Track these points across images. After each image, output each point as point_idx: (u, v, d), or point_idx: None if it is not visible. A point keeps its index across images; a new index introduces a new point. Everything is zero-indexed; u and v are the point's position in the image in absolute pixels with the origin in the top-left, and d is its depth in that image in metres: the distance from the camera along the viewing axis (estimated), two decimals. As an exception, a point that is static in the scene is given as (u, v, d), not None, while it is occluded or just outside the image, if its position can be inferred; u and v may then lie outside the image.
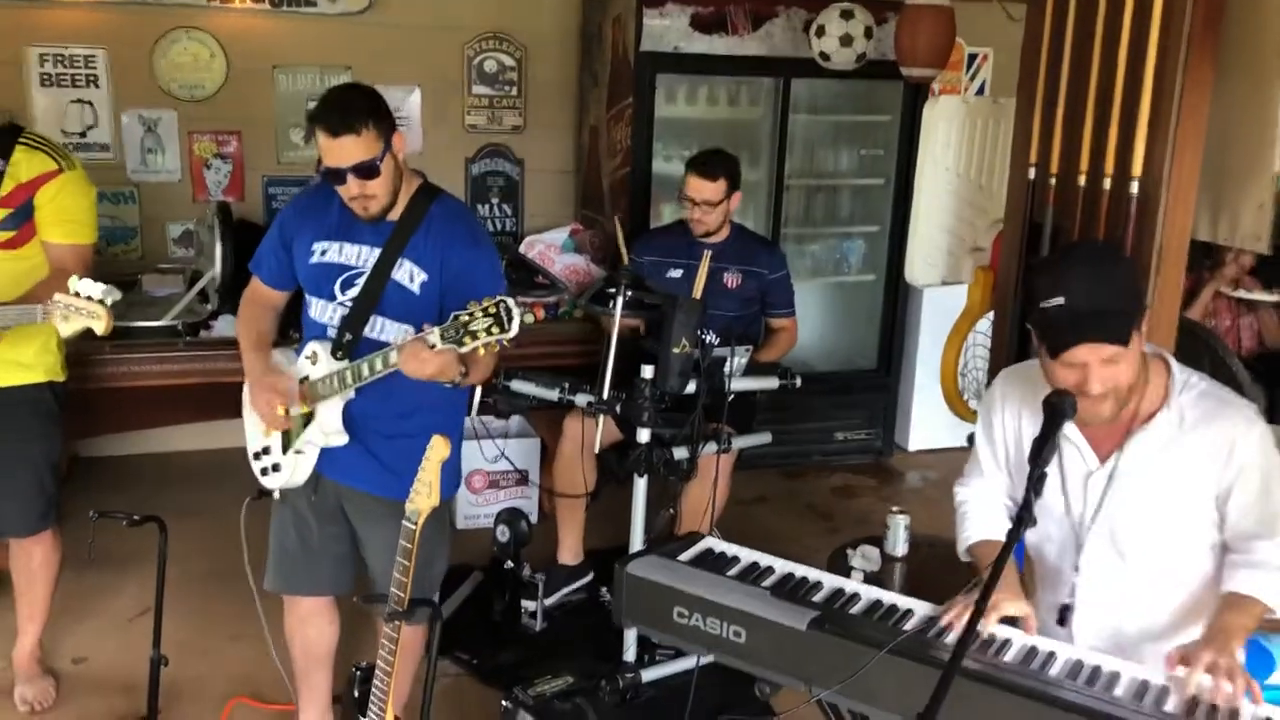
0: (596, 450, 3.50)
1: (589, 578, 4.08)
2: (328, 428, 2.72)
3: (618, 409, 3.37)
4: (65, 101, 4.92)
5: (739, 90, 5.19)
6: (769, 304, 4.12)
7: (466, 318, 2.36)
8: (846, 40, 4.52)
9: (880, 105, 5.30)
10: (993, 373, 3.40)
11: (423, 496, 2.41)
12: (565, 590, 4.00)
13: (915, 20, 3.94)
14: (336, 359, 2.67)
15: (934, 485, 5.47)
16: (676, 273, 3.99)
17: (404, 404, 2.71)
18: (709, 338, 3.46)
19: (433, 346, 2.44)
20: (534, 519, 4.64)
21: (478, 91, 5.45)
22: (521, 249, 5.10)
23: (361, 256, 2.69)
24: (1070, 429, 2.20)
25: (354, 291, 2.68)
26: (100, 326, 2.63)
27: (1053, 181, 3.06)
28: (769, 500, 5.17)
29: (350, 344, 2.66)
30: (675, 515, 3.92)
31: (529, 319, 4.59)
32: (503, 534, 3.82)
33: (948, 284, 3.68)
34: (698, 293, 3.39)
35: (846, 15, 4.52)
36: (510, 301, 2.34)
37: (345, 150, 2.50)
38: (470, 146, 5.50)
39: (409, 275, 2.67)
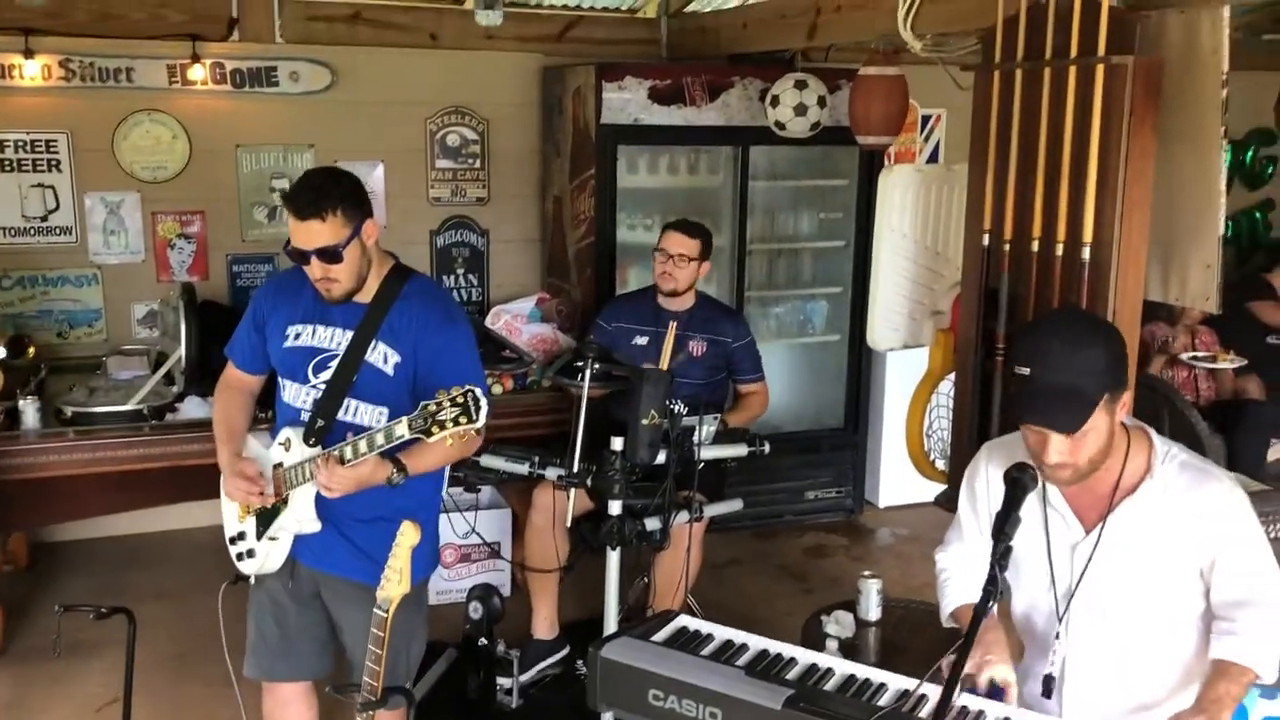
0: (568, 523, 3.49)
1: (565, 651, 4.06)
2: (300, 515, 2.71)
3: (589, 482, 3.37)
4: (26, 185, 4.92)
5: (699, 159, 5.27)
6: (736, 370, 4.17)
7: (434, 407, 2.38)
8: (801, 109, 4.61)
9: (837, 170, 5.39)
10: (956, 433, 3.44)
11: (393, 584, 2.41)
12: (541, 665, 3.98)
13: (868, 90, 4.03)
14: (309, 445, 2.66)
15: (906, 541, 5.50)
16: (642, 340, 4.03)
17: (378, 488, 2.70)
18: (677, 407, 3.48)
19: (344, 461, 2.50)
20: (507, 592, 4.61)
21: (441, 165, 5.50)
22: (488, 320, 5.13)
23: (335, 339, 2.70)
24: (1056, 498, 2.24)
25: (327, 374, 2.69)
26: None
27: (1007, 247, 3.13)
28: (742, 563, 5.18)
29: (323, 429, 2.66)
30: (649, 584, 3.92)
31: (497, 389, 4.68)
32: (475, 610, 3.78)
33: (909, 348, 3.73)
34: (664, 364, 3.42)
35: (800, 85, 4.62)
36: (478, 391, 2.37)
37: (310, 233, 2.53)
38: (435, 219, 5.54)
39: (382, 357, 2.68)
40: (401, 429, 2.43)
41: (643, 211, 5.06)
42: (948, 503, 3.50)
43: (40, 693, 3.85)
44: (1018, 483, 1.95)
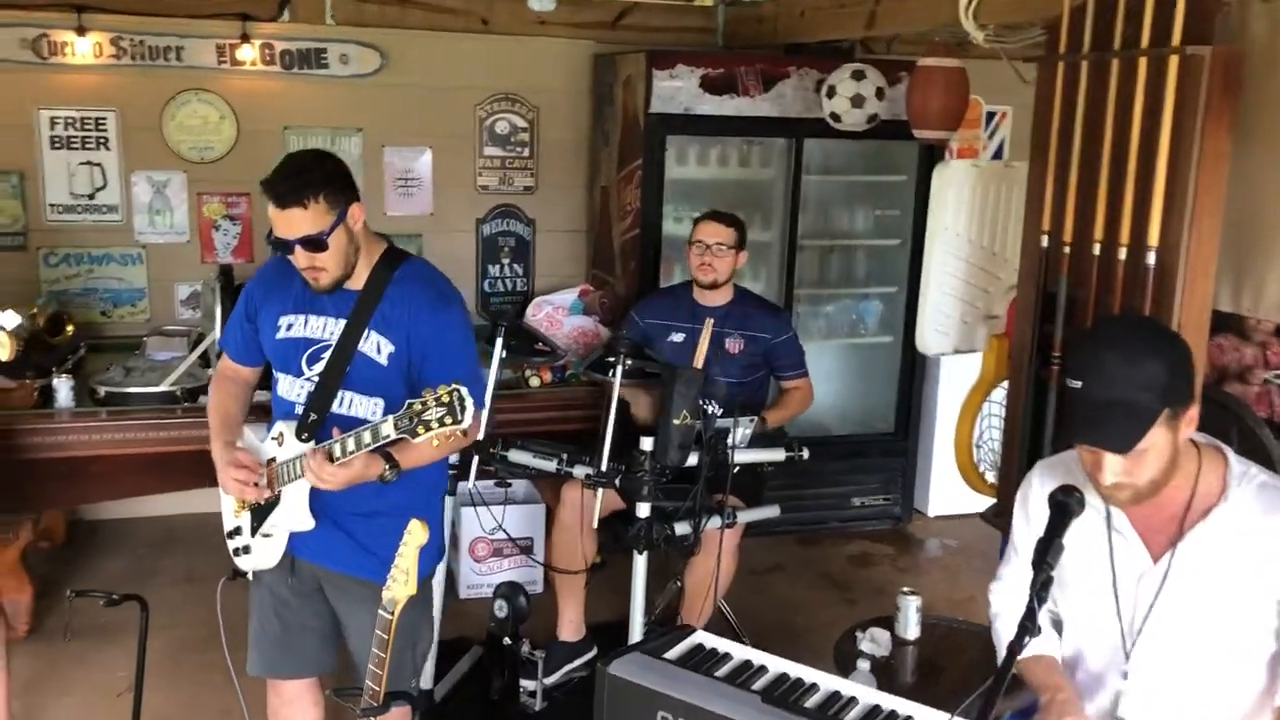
0: (595, 524, 3.37)
1: (592, 654, 3.94)
2: (294, 511, 2.62)
3: (617, 482, 3.25)
4: (75, 163, 4.91)
5: (750, 151, 5.11)
6: (778, 367, 4.03)
7: (420, 406, 2.27)
8: (858, 101, 4.44)
9: (895, 165, 5.21)
10: (1008, 445, 3.26)
11: (399, 585, 2.30)
12: (566, 668, 3.86)
13: (927, 82, 3.85)
14: (302, 440, 2.56)
15: (954, 553, 5.30)
16: (678, 336, 3.90)
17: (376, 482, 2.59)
18: (711, 408, 3.34)
19: (333, 458, 2.40)
20: (539, 589, 4.52)
21: (489, 152, 5.40)
22: (529, 311, 5.04)
23: (327, 329, 2.58)
24: (1121, 522, 2.07)
25: (321, 366, 2.58)
26: (3, 353, 2.54)
27: (1067, 250, 2.95)
28: (784, 569, 5.02)
29: (315, 424, 2.55)
30: (682, 588, 3.80)
31: (535, 382, 4.57)
32: (500, 609, 3.68)
33: (960, 352, 3.56)
34: (699, 361, 3.28)
35: (858, 76, 4.44)
36: (464, 390, 2.25)
37: (292, 222, 2.41)
38: (481, 207, 5.45)
39: (376, 347, 2.56)
40: (388, 428, 2.33)
41: (691, 204, 4.92)
42: (996, 518, 3.32)
43: (62, 675, 3.83)
44: (1062, 507, 1.79)
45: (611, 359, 3.28)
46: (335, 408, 2.57)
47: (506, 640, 3.70)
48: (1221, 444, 2.13)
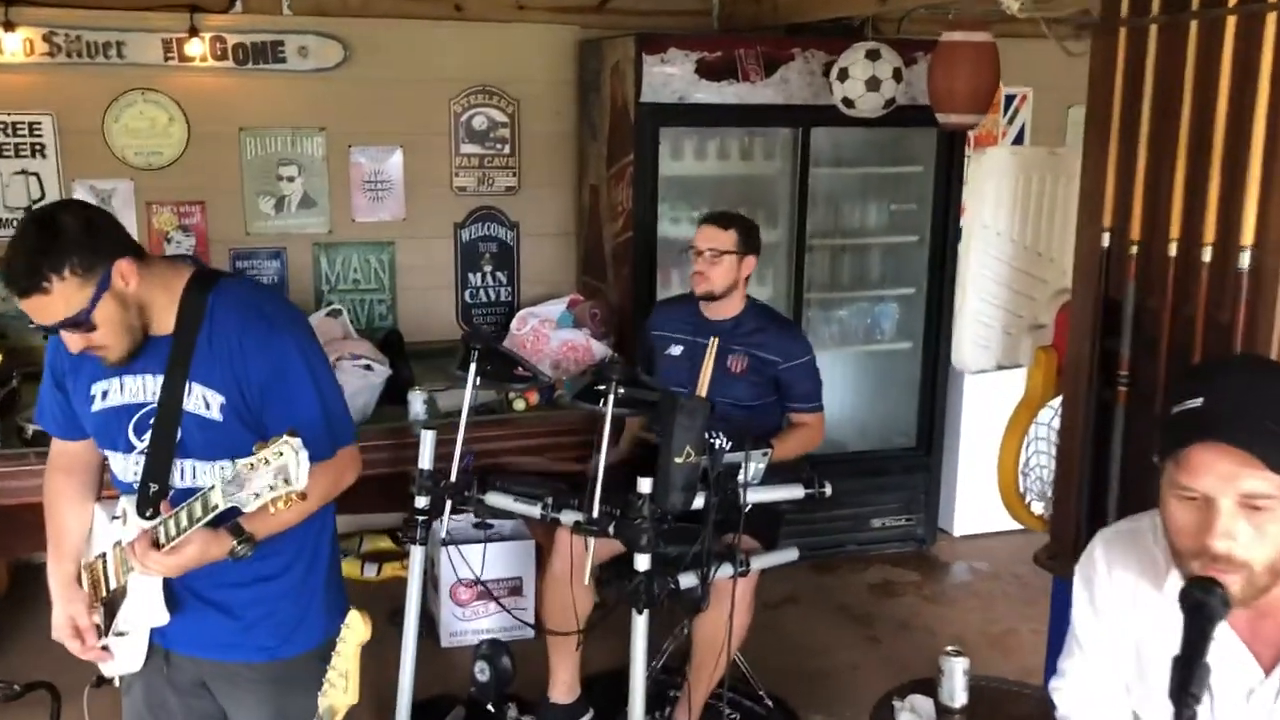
0: (586, 580, 2.92)
1: (588, 716, 3.50)
2: (144, 604, 2.13)
3: (610, 530, 2.80)
4: (8, 173, 4.46)
5: (753, 142, 4.66)
6: (787, 396, 3.51)
7: (248, 469, 1.81)
8: (873, 84, 3.98)
9: (911, 155, 4.75)
10: (1065, 476, 2.81)
11: (338, 691, 1.84)
12: (558, 733, 3.42)
13: (951, 58, 3.40)
14: (146, 518, 2.05)
15: (986, 577, 4.85)
16: (676, 350, 3.44)
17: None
18: (719, 441, 2.89)
19: (158, 544, 1.95)
20: (530, 635, 4.06)
21: (466, 150, 4.94)
22: (514, 325, 4.59)
23: (148, 388, 2.08)
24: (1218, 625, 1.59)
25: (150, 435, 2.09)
26: None
27: (1134, 249, 2.50)
28: (798, 602, 4.57)
29: (158, 495, 2.05)
30: (690, 639, 3.35)
31: (520, 405, 4.11)
32: (482, 672, 3.25)
33: (1004, 368, 3.10)
34: (703, 389, 2.83)
35: (872, 56, 3.99)
36: (295, 443, 1.79)
37: (43, 309, 1.92)
38: (459, 210, 4.99)
39: (203, 401, 2.06)
40: (215, 497, 1.86)
41: (688, 202, 4.47)
42: (1050, 561, 2.87)
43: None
44: (1203, 610, 1.32)
45: (602, 386, 2.82)
46: (177, 481, 2.08)
47: (490, 708, 3.27)
48: None
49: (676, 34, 4.43)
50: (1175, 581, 1.58)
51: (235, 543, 1.97)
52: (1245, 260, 2.22)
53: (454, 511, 3.12)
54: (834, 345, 4.95)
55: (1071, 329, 2.74)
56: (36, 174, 4.50)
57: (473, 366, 3.08)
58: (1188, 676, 1.25)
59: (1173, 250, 2.39)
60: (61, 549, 2.22)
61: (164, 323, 2.06)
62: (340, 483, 2.19)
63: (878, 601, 4.62)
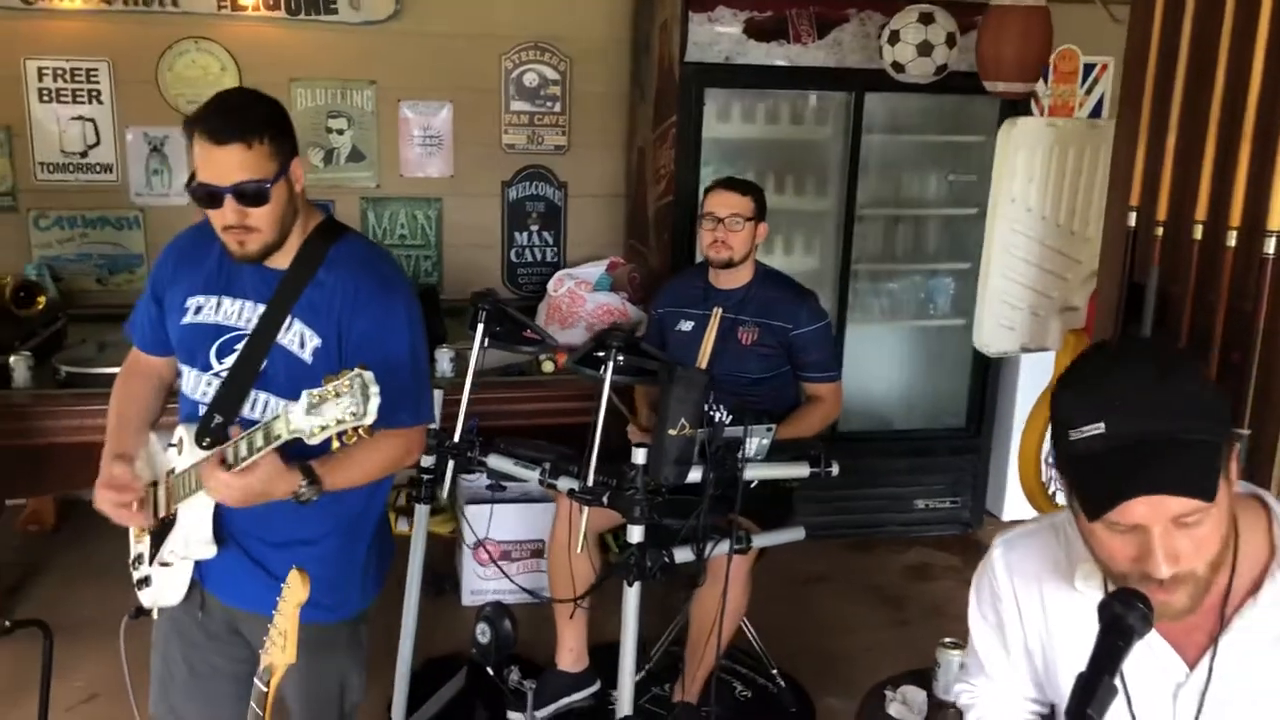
0: (579, 549, 2.87)
1: (594, 687, 3.47)
2: (191, 536, 2.15)
3: (605, 500, 2.74)
4: (65, 118, 4.54)
5: (804, 106, 4.51)
6: (800, 365, 3.37)
7: (316, 398, 1.79)
8: (925, 49, 3.81)
9: (972, 124, 4.55)
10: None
11: (277, 649, 1.83)
12: (562, 702, 3.39)
13: (999, 24, 3.23)
14: (202, 447, 2.08)
15: (1029, 566, 4.67)
16: (686, 325, 3.35)
17: (293, 502, 2.10)
18: (719, 414, 2.80)
19: (228, 465, 1.93)
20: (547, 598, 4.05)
21: (516, 108, 4.89)
22: (550, 285, 4.54)
23: (244, 314, 2.13)
24: None
25: (232, 359, 2.12)
26: None
27: (1159, 231, 2.34)
28: (828, 580, 4.47)
29: (220, 428, 2.07)
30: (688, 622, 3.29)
31: (549, 367, 4.07)
32: (483, 634, 3.20)
33: (1028, 351, 2.96)
34: (703, 360, 2.74)
35: (925, 19, 3.81)
36: (368, 375, 1.77)
37: (229, 163, 1.96)
38: (507, 169, 4.94)
39: (299, 339, 2.10)
40: (279, 426, 1.85)
41: (733, 167, 4.34)
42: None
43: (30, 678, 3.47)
44: (1120, 626, 1.20)
45: (602, 353, 2.75)
46: (246, 410, 2.11)
47: (489, 670, 3.25)
48: (1260, 490, 1.52)
49: (728, -8, 4.30)
50: (1087, 577, 1.50)
51: (302, 483, 1.98)
52: (1271, 246, 2.07)
53: (459, 472, 3.09)
54: (883, 319, 4.80)
55: (1096, 313, 2.60)
56: (93, 120, 4.57)
57: (480, 328, 3.04)
58: (1088, 697, 1.14)
59: (1198, 233, 2.23)
60: (123, 431, 2.22)
61: (286, 253, 2.09)
62: (407, 457, 2.21)
63: (912, 584, 4.49)
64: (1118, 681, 1.41)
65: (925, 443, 4.86)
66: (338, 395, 1.77)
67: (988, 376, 4.81)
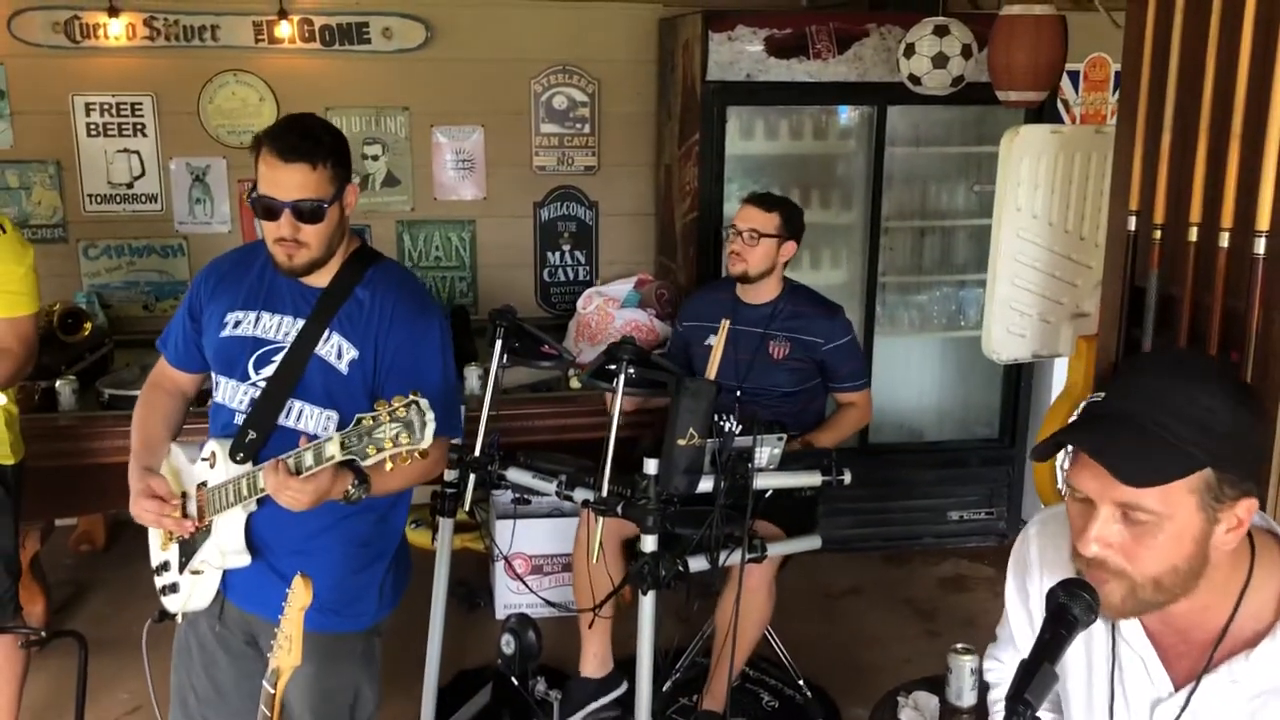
0: (594, 559, 2.92)
1: (620, 690, 3.50)
2: (226, 546, 2.25)
3: (619, 510, 2.79)
4: (112, 151, 4.72)
5: (826, 121, 4.55)
6: (833, 377, 3.46)
7: (370, 422, 1.91)
8: (940, 61, 3.83)
9: (995, 135, 4.42)
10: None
11: (284, 652, 1.91)
12: (589, 709, 3.44)
13: (1010, 33, 3.24)
14: (236, 462, 2.20)
15: (1066, 577, 4.63)
16: (713, 340, 3.39)
17: (319, 513, 2.18)
18: (729, 425, 2.85)
19: (297, 472, 2.01)
20: (574, 611, 4.09)
21: (546, 130, 4.98)
22: (579, 303, 4.61)
23: (282, 329, 2.25)
24: (1133, 632, 1.46)
25: (270, 370, 2.23)
26: None
27: (1157, 234, 2.35)
28: (862, 592, 4.47)
29: (255, 443, 2.20)
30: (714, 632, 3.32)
31: (576, 383, 4.13)
32: (507, 644, 3.29)
33: (1040, 358, 2.96)
34: (711, 371, 2.79)
35: (940, 32, 3.83)
36: (424, 403, 1.89)
37: (292, 180, 2.11)
38: (539, 189, 5.04)
39: (336, 351, 2.22)
40: (333, 448, 1.96)
41: (757, 182, 4.39)
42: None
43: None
44: (1063, 615, 1.22)
45: (614, 366, 2.81)
46: (281, 419, 2.22)
47: (514, 680, 3.31)
48: None
49: (745, 11, 4.35)
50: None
51: (353, 481, 2.10)
52: (1260, 247, 2.07)
53: (480, 486, 3.16)
54: (911, 331, 4.81)
55: (1102, 317, 2.60)
56: (137, 152, 4.75)
57: (498, 344, 3.11)
58: (1027, 682, 1.16)
59: (1193, 235, 2.24)
60: (149, 448, 2.33)
61: (326, 271, 2.24)
62: (432, 471, 2.34)
63: (945, 596, 4.48)
64: (1117, 682, 1.45)
65: (958, 454, 4.85)
66: (392, 420, 1.88)
67: (1020, 387, 4.79)
